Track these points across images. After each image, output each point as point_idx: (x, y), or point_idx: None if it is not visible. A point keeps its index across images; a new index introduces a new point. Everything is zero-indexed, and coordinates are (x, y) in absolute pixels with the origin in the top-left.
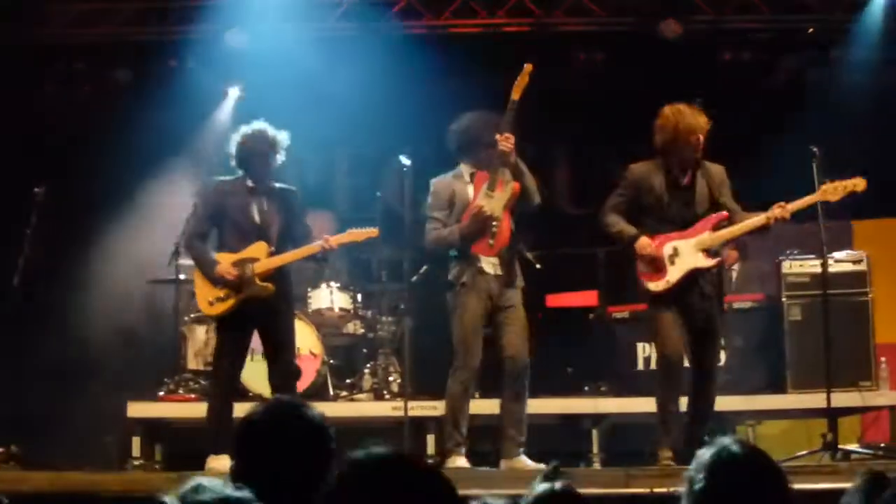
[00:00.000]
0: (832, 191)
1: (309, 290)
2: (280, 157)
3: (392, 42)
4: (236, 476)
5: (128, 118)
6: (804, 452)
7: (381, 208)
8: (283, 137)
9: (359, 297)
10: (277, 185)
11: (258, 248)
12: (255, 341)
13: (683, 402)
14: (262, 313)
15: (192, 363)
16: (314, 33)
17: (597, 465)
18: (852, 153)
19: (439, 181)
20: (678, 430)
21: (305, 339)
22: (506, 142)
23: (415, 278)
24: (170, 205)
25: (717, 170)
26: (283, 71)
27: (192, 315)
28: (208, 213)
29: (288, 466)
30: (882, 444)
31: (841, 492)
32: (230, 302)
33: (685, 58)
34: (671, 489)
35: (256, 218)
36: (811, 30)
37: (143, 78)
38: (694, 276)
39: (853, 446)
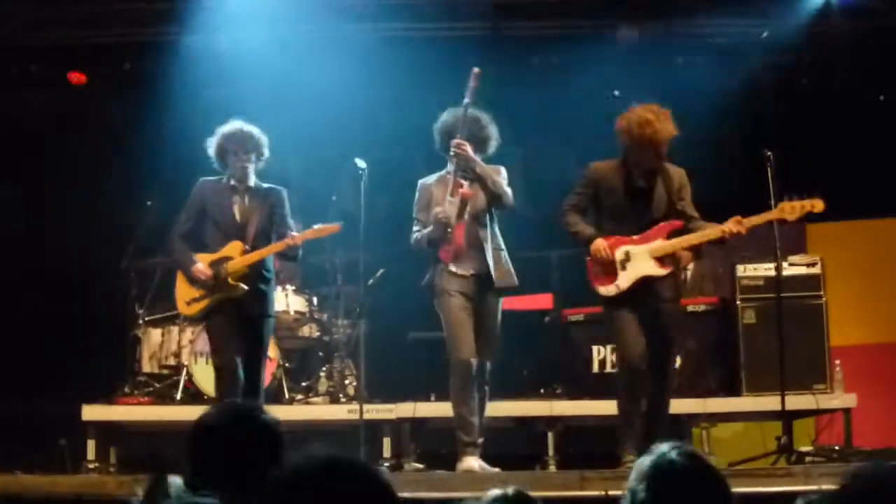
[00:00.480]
0: (790, 210)
1: None
2: (260, 156)
3: (348, 45)
4: (191, 479)
5: (84, 121)
6: (759, 455)
7: (337, 211)
8: (260, 135)
9: (314, 300)
10: (265, 184)
11: (233, 248)
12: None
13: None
14: (238, 312)
15: (147, 366)
16: (270, 36)
17: (552, 468)
18: (806, 156)
19: (422, 182)
20: (642, 432)
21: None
22: (457, 147)
23: (371, 281)
24: (123, 206)
25: (677, 173)
26: (236, 74)
27: (146, 318)
28: (191, 211)
29: (241, 470)
30: (836, 447)
31: (795, 494)
32: (205, 302)
33: (641, 61)
34: (626, 492)
35: (237, 216)
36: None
37: (99, 80)
38: (647, 281)
39: (808, 449)
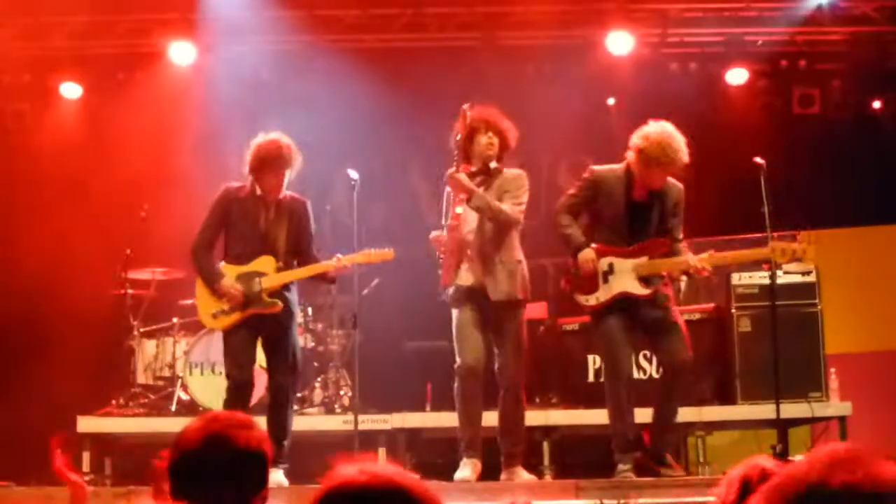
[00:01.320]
0: (780, 252)
1: None
2: (293, 170)
3: (340, 56)
4: (174, 498)
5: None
6: None
7: (330, 221)
8: (296, 149)
9: (309, 310)
10: (288, 193)
11: (266, 263)
12: (213, 353)
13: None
14: (268, 327)
15: (142, 377)
16: (263, 47)
17: (548, 477)
18: (800, 164)
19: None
20: (637, 441)
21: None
22: (451, 181)
23: (365, 291)
24: (120, 216)
25: (675, 189)
26: (230, 85)
27: (141, 329)
28: (215, 219)
29: (218, 492)
30: None
31: None
32: (234, 316)
33: (634, 70)
34: (621, 501)
35: (263, 227)
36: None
37: (92, 91)
38: (628, 296)
39: (803, 457)
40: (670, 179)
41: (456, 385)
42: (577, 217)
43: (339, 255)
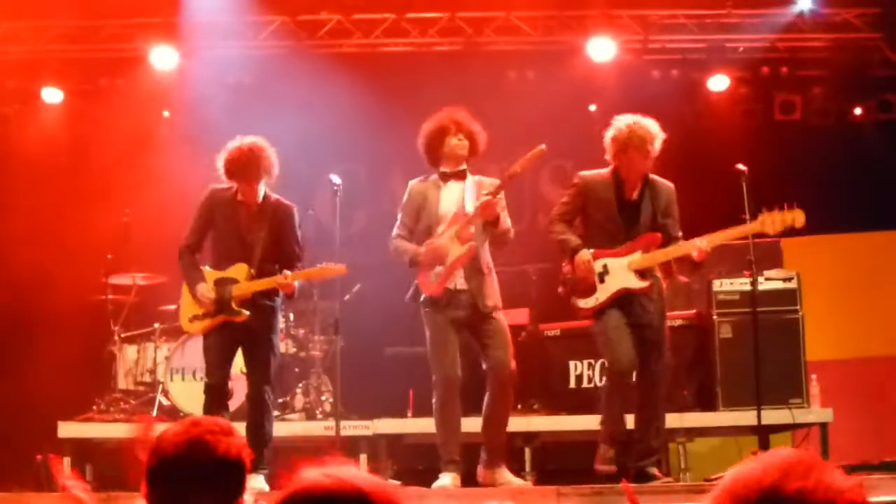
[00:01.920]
0: (770, 223)
1: None
2: (269, 175)
3: (323, 61)
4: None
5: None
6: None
7: (313, 226)
8: (269, 153)
9: (290, 315)
10: (274, 197)
11: (239, 270)
12: (195, 358)
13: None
14: (243, 334)
15: (123, 383)
16: (245, 51)
17: (529, 484)
18: (781, 171)
19: (415, 184)
20: (624, 447)
21: (236, 358)
22: (489, 209)
23: (347, 297)
24: (101, 221)
25: (665, 188)
26: (213, 89)
27: (122, 334)
28: (200, 222)
29: (197, 499)
30: None
31: None
32: (206, 322)
33: (616, 76)
34: None
35: (242, 232)
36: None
37: (73, 95)
38: (628, 293)
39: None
40: (660, 179)
41: (437, 397)
42: (571, 224)
43: (287, 272)
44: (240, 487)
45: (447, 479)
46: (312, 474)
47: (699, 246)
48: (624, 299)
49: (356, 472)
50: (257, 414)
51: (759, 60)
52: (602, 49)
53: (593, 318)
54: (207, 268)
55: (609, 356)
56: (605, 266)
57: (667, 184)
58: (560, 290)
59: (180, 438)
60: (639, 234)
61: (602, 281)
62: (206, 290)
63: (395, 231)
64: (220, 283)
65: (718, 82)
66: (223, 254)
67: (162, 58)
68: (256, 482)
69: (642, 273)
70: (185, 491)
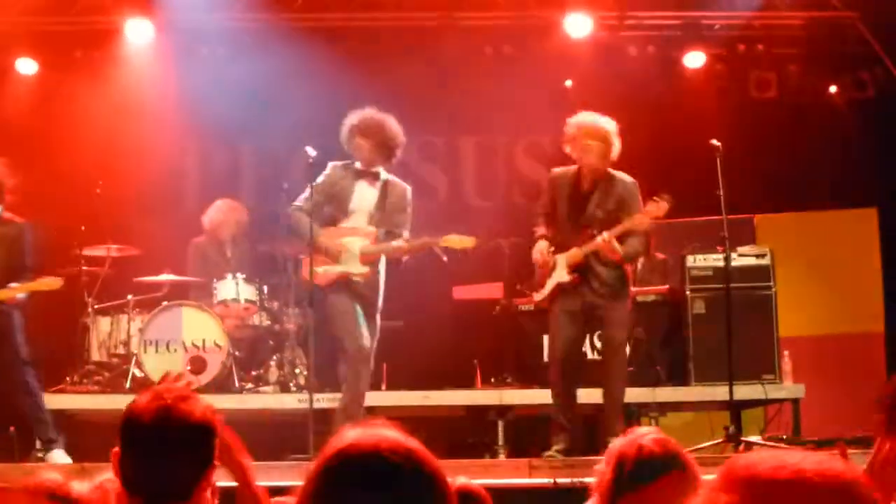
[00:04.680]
0: (638, 219)
1: (214, 281)
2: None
3: (299, 34)
4: (125, 476)
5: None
6: (706, 444)
7: (288, 200)
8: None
9: (265, 288)
10: (8, 215)
11: None
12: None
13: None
14: None
15: (96, 355)
16: (220, 24)
17: (502, 457)
18: (756, 148)
19: (334, 165)
20: (572, 426)
21: (210, 330)
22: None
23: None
24: (75, 193)
25: (622, 182)
26: (189, 62)
27: (95, 306)
28: None
29: (170, 467)
30: (784, 437)
31: None
32: None
33: (592, 52)
34: (574, 479)
35: None
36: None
37: (48, 67)
38: (584, 277)
39: (756, 438)
40: (620, 174)
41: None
42: (551, 219)
43: (13, 284)
44: (212, 452)
45: None
46: (356, 433)
47: (598, 241)
48: (572, 289)
49: (398, 434)
50: (29, 400)
51: (734, 38)
52: (579, 25)
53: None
54: None
55: (549, 348)
56: (555, 261)
57: (626, 179)
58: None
59: (153, 406)
60: (588, 227)
61: (550, 276)
62: None
63: (299, 200)
64: None
65: (694, 59)
66: None
67: (136, 31)
68: (58, 456)
69: (573, 267)
70: (162, 459)
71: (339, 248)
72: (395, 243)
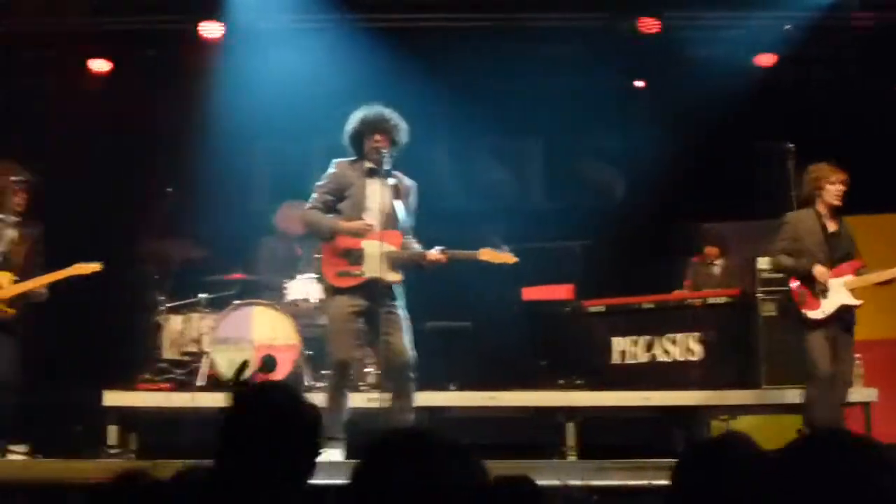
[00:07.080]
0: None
1: (285, 281)
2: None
3: (367, 34)
4: (219, 469)
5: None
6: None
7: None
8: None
9: None
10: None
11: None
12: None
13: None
14: None
15: (168, 353)
16: (290, 25)
17: (571, 458)
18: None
19: (339, 163)
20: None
21: (282, 330)
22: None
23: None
24: (142, 196)
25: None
26: (259, 62)
27: (167, 304)
28: None
29: (278, 461)
30: None
31: None
32: None
33: (661, 53)
34: (643, 482)
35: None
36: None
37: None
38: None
39: None
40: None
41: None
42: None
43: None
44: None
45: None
46: None
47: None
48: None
49: None
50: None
51: (804, 38)
52: (645, 25)
53: None
54: None
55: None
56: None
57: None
58: None
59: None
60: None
61: (825, 296)
62: None
63: (311, 199)
64: None
65: (764, 60)
66: None
67: (209, 31)
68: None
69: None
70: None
71: (363, 227)
72: (433, 253)
